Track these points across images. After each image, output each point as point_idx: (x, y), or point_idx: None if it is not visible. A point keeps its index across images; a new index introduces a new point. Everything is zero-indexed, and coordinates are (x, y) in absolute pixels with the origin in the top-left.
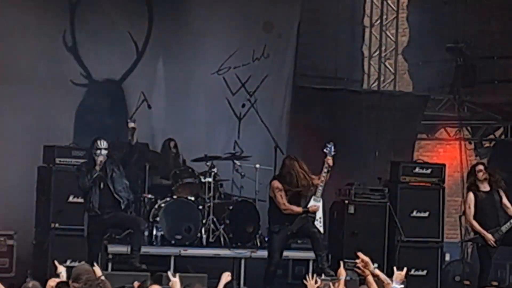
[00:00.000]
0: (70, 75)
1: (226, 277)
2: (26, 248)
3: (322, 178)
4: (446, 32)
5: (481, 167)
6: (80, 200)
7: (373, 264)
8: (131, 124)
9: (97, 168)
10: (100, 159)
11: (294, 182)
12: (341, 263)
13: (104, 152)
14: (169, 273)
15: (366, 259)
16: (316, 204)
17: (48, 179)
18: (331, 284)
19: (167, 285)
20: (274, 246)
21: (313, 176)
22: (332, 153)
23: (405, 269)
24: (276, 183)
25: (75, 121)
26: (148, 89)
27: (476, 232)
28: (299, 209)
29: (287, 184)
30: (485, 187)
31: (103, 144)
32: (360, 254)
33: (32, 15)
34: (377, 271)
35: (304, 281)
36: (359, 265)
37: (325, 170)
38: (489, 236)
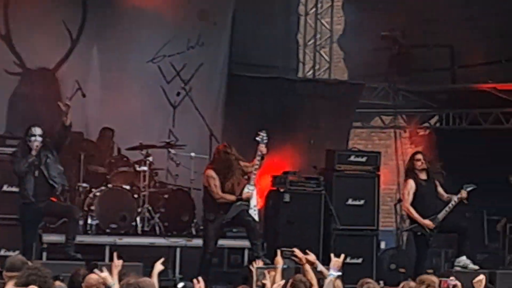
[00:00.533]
0: (3, 64)
1: (158, 266)
2: None
3: (256, 166)
4: (381, 21)
5: (419, 156)
6: (15, 189)
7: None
8: (62, 106)
9: (33, 153)
10: (35, 144)
11: (227, 170)
12: (278, 251)
13: (39, 138)
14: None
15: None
16: (249, 191)
17: None
18: (266, 272)
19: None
20: (209, 234)
21: (246, 164)
22: (265, 141)
23: (342, 256)
24: (210, 172)
25: (8, 110)
26: (83, 77)
27: (413, 220)
28: (233, 198)
29: (221, 173)
30: (423, 176)
31: (37, 131)
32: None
33: None
34: (320, 268)
35: (250, 267)
36: (296, 249)
37: (258, 158)
38: (427, 222)
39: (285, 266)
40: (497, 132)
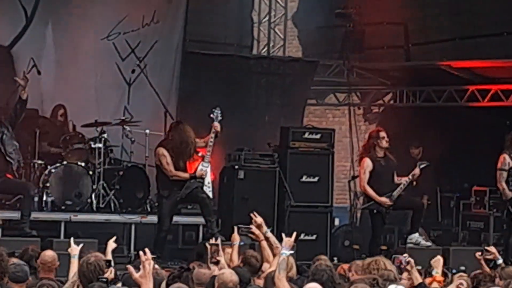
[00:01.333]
0: None
1: (111, 244)
2: None
3: (210, 143)
4: None
5: (384, 134)
6: None
7: (267, 227)
8: (20, 80)
9: None
10: None
11: (181, 147)
12: (235, 228)
13: None
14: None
15: (260, 220)
16: (203, 169)
17: None
18: (221, 249)
19: (60, 251)
20: (164, 211)
21: (199, 140)
22: (219, 118)
23: (294, 234)
24: (161, 150)
25: None
26: (38, 55)
27: (369, 197)
28: (186, 175)
29: (174, 150)
30: (380, 154)
31: None
32: (254, 214)
33: None
34: (269, 234)
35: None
36: (253, 226)
37: (212, 135)
38: (384, 199)
39: (241, 243)
40: (451, 109)
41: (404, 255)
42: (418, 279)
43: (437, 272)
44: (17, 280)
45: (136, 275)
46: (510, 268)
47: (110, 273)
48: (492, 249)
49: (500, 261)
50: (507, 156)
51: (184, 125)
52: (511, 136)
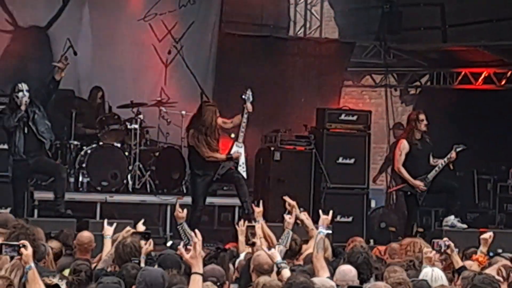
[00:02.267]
0: None
1: (140, 226)
2: None
3: (243, 124)
4: None
5: (423, 116)
6: (5, 146)
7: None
8: (59, 63)
9: (22, 108)
10: (24, 99)
11: (210, 127)
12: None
13: (26, 93)
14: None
15: (293, 203)
16: (238, 150)
17: None
18: (257, 226)
19: (96, 231)
20: (197, 192)
21: (225, 120)
22: (251, 99)
23: (330, 213)
24: (194, 132)
25: (0, 68)
26: (74, 35)
27: (404, 179)
28: (222, 156)
29: (205, 131)
30: (418, 136)
31: (24, 86)
32: (286, 198)
33: None
34: (302, 216)
35: (236, 226)
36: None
37: (245, 115)
38: (418, 182)
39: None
40: (488, 92)
41: (444, 239)
42: (459, 263)
43: (482, 251)
44: None
45: (186, 256)
46: None
47: (149, 245)
48: None
49: None
50: None
51: (205, 106)
52: None
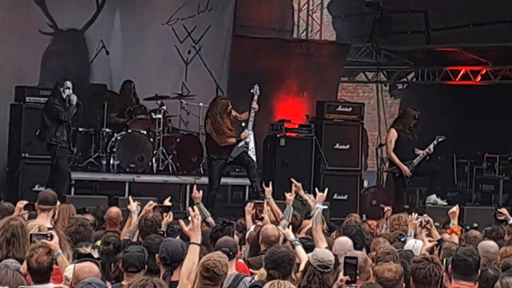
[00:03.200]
0: (38, 25)
1: (166, 202)
2: (0, 175)
3: (252, 114)
4: None
5: (417, 116)
6: None
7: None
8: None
9: (74, 104)
10: (73, 97)
11: (222, 117)
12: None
13: (71, 91)
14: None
15: (298, 184)
16: (248, 131)
17: (19, 115)
18: (266, 204)
19: (124, 207)
20: (214, 173)
21: (236, 114)
22: (258, 93)
23: (326, 190)
24: (210, 121)
25: (41, 65)
26: (107, 37)
27: (393, 163)
28: (233, 140)
29: (218, 120)
30: (407, 129)
31: (70, 84)
32: (293, 180)
33: None
34: (306, 196)
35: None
36: (293, 189)
37: (252, 112)
38: (405, 167)
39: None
40: (466, 87)
41: (424, 215)
42: (437, 236)
43: (454, 223)
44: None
45: (185, 228)
46: None
47: (169, 217)
48: (504, 210)
49: (511, 221)
50: None
51: (217, 100)
52: None
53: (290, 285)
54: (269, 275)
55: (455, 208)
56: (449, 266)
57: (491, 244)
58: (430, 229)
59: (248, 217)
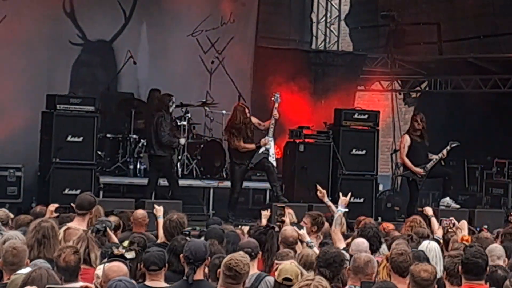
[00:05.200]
0: (68, 36)
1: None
2: (32, 179)
3: (272, 123)
4: (381, 2)
5: (418, 117)
6: (77, 139)
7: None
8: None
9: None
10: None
11: (241, 125)
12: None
13: None
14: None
15: (324, 191)
16: (268, 138)
17: (50, 122)
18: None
19: (149, 210)
20: (236, 177)
21: (259, 122)
22: (278, 100)
23: (349, 194)
24: (228, 131)
25: (71, 75)
26: (134, 48)
27: (406, 167)
28: (253, 146)
29: (237, 127)
30: (417, 133)
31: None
32: (318, 186)
33: None
34: (329, 203)
35: (262, 212)
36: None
37: (272, 120)
38: (418, 170)
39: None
40: (476, 95)
41: (450, 218)
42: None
43: (464, 234)
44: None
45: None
46: None
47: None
48: None
49: None
50: None
51: (238, 108)
52: None
53: (321, 280)
54: (320, 273)
55: (464, 222)
56: (459, 267)
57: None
58: (455, 232)
59: (264, 221)
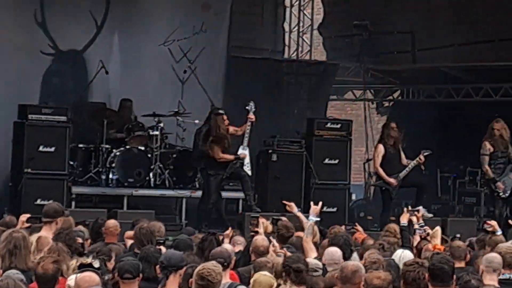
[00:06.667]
0: (39, 46)
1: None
2: (3, 189)
3: (247, 130)
4: (354, 12)
5: (393, 125)
6: (49, 149)
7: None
8: None
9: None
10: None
11: (218, 133)
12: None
13: None
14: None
15: (291, 204)
16: (244, 152)
17: (22, 132)
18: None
19: (123, 220)
20: (211, 188)
21: (236, 128)
22: (253, 109)
23: (320, 203)
24: (206, 139)
25: (42, 84)
26: (106, 58)
27: (380, 177)
28: (231, 157)
29: (214, 136)
30: (391, 142)
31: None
32: (285, 202)
33: None
34: (299, 213)
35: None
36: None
37: (248, 123)
38: (392, 180)
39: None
40: (449, 104)
41: (425, 227)
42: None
43: (436, 243)
44: None
45: None
46: (497, 237)
47: None
48: (493, 222)
49: (499, 232)
50: (487, 143)
51: (218, 117)
52: (491, 126)
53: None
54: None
55: (438, 228)
56: (426, 274)
57: (494, 255)
58: (430, 241)
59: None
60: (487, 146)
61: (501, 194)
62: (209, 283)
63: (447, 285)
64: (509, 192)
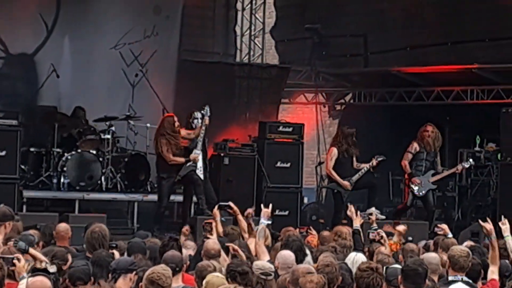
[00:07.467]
0: None
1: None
2: None
3: (201, 134)
4: (307, 15)
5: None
6: (0, 153)
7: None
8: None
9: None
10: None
11: (170, 136)
12: (216, 206)
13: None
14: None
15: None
16: (197, 152)
17: None
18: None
19: (74, 223)
20: (163, 191)
21: (189, 131)
22: (208, 113)
23: (270, 206)
24: (158, 141)
25: None
26: (57, 61)
27: (332, 179)
28: (182, 160)
29: (166, 139)
30: (345, 146)
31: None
32: (231, 203)
33: None
34: (250, 221)
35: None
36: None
37: (203, 127)
38: (345, 183)
39: (223, 219)
40: (400, 107)
41: (379, 230)
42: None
43: (395, 241)
44: None
45: None
46: (449, 240)
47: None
48: (444, 226)
49: (450, 235)
50: (415, 143)
51: (167, 119)
52: (423, 128)
53: None
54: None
55: (403, 228)
56: (399, 276)
57: (433, 255)
58: (384, 244)
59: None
60: (414, 146)
61: (415, 190)
62: (159, 287)
63: (419, 287)
64: (424, 192)
